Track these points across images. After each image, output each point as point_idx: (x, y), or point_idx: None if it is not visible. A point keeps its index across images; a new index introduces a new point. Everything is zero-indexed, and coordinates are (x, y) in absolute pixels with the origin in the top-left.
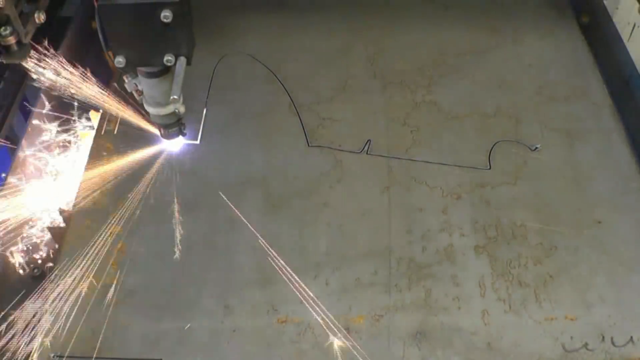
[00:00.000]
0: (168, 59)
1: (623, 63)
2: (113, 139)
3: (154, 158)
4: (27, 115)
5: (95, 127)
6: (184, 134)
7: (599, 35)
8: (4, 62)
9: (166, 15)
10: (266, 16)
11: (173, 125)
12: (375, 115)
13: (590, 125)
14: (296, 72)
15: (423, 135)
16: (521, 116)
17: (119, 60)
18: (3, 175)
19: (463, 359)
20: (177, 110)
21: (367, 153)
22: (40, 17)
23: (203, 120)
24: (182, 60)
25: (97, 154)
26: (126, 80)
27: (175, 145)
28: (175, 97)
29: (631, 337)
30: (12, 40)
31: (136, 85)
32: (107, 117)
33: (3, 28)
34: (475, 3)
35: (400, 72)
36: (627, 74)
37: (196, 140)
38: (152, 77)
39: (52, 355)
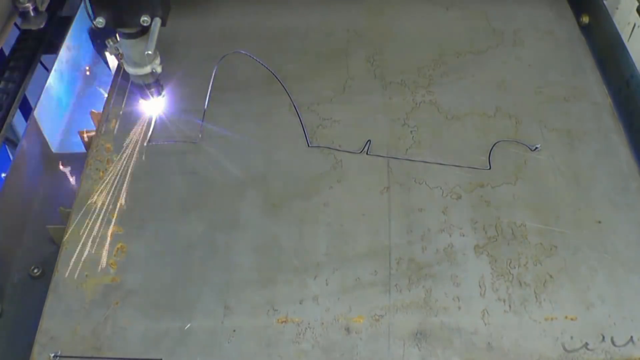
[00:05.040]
0: (144, 19)
1: (623, 63)
2: (113, 139)
3: (154, 157)
4: (27, 115)
5: (96, 127)
6: (162, 95)
7: (599, 35)
8: (21, 27)
9: None
10: (266, 16)
11: (152, 86)
12: (375, 116)
13: (590, 125)
14: (296, 73)
15: (423, 135)
16: (521, 116)
17: (99, 21)
18: (3, 175)
19: (463, 359)
20: (154, 70)
21: (367, 153)
22: None
23: (203, 120)
24: (157, 20)
25: (97, 154)
26: (108, 45)
27: (155, 106)
28: (150, 52)
29: (631, 337)
30: (29, 6)
31: (117, 49)
32: (107, 117)
33: None
34: (476, 3)
35: (400, 72)
36: (627, 74)
37: (196, 140)
38: (130, 37)
39: (52, 355)
